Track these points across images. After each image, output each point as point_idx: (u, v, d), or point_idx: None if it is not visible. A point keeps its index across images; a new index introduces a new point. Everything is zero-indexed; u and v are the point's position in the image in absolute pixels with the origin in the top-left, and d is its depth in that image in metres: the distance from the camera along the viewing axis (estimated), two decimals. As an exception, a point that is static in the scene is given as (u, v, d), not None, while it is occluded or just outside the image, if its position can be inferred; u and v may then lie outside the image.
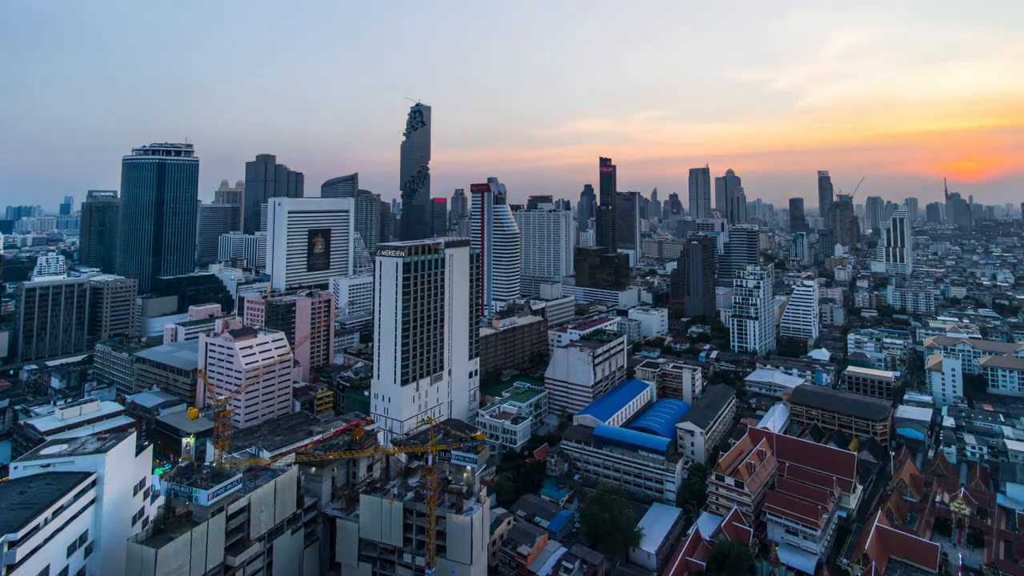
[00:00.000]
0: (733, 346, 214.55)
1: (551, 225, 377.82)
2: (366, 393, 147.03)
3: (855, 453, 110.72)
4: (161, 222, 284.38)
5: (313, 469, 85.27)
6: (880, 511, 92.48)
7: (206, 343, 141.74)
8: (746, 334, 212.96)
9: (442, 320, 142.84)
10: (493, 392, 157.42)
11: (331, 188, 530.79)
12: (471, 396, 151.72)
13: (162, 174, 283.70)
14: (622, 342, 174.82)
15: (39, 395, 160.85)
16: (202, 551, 64.98)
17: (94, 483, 63.87)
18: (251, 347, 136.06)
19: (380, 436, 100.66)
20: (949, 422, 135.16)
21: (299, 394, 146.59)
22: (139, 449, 72.10)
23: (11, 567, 52.67)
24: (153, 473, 76.46)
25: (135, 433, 77.94)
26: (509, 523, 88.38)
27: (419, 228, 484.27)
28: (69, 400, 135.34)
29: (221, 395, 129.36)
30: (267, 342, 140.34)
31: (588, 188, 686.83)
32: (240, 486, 72.34)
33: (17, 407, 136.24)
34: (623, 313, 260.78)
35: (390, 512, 74.03)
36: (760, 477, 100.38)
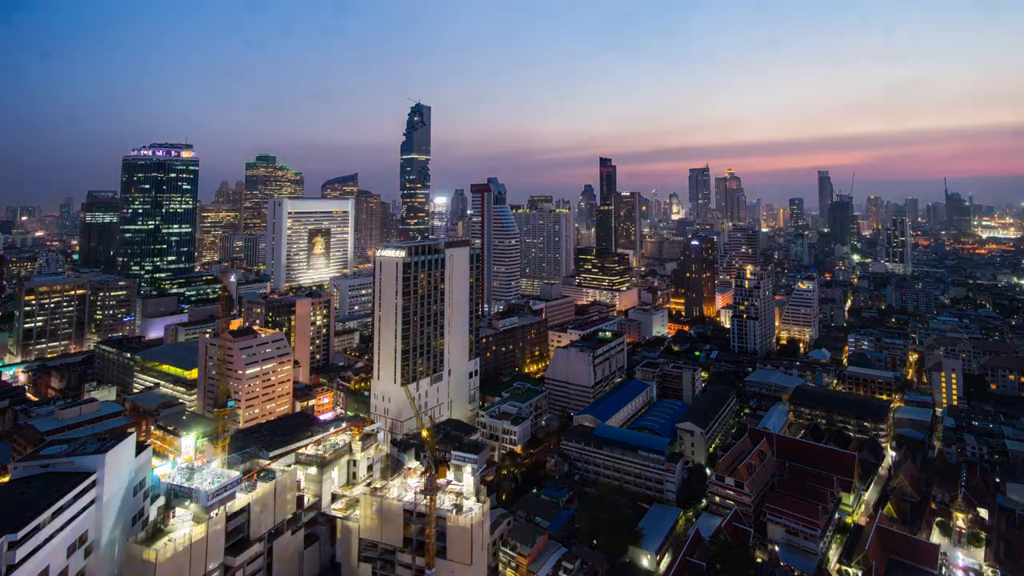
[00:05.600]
0: (733, 346, 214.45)
1: (551, 225, 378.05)
2: (366, 393, 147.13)
3: (855, 453, 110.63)
4: (161, 222, 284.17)
5: (313, 469, 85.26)
6: (880, 511, 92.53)
7: (206, 343, 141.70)
8: (746, 334, 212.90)
9: (442, 320, 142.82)
10: (493, 392, 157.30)
11: (331, 188, 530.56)
12: (471, 396, 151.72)
13: (162, 173, 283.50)
14: (622, 342, 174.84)
15: (39, 395, 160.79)
16: (202, 551, 64.96)
17: (94, 483, 63.73)
18: (251, 347, 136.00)
19: (380, 436, 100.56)
20: (949, 422, 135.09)
21: (299, 394, 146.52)
22: (139, 449, 71.93)
23: (11, 567, 52.62)
24: (153, 473, 76.30)
25: (135, 433, 77.87)
26: (509, 523, 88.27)
27: (419, 228, 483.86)
28: (69, 400, 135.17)
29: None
30: (267, 342, 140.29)
31: (588, 188, 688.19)
32: (240, 486, 72.33)
33: (17, 407, 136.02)
34: (623, 313, 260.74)
35: (390, 512, 74.03)
36: (760, 477, 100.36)
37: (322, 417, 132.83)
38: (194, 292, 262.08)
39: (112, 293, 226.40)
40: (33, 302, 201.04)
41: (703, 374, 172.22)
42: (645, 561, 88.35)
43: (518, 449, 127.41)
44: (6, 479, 70.47)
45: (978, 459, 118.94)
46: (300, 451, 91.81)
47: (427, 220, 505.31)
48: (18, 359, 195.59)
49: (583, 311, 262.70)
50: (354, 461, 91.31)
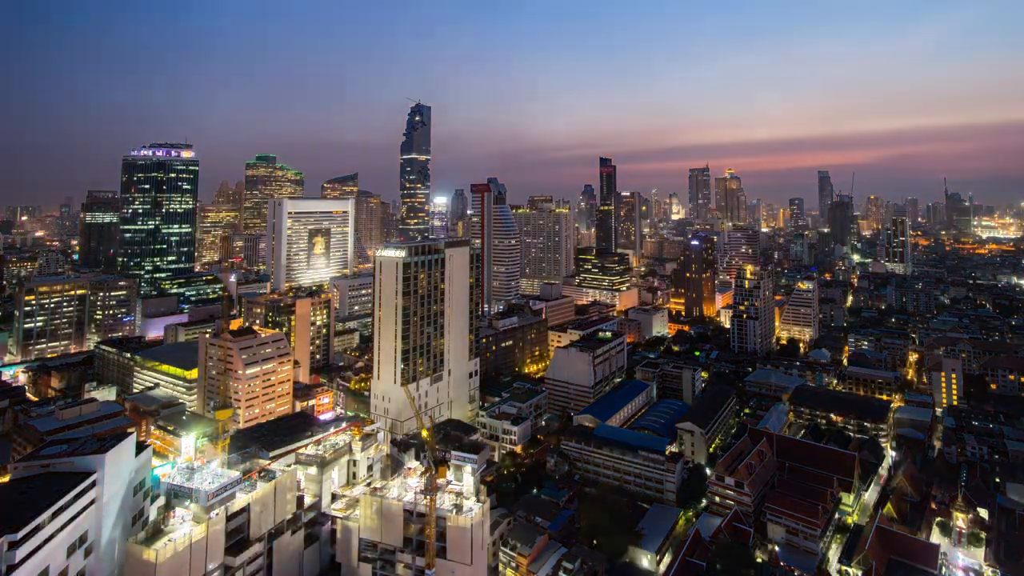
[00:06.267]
0: (733, 346, 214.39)
1: (551, 225, 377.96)
2: (366, 393, 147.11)
3: (855, 453, 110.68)
4: (161, 222, 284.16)
5: (313, 469, 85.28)
6: (880, 511, 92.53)
7: (206, 343, 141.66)
8: (746, 334, 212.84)
9: (442, 320, 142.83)
10: (493, 392, 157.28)
11: (331, 188, 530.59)
12: (471, 396, 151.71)
13: (162, 173, 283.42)
14: (621, 342, 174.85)
15: (39, 395, 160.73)
16: (202, 551, 65.02)
17: (94, 483, 63.78)
18: (251, 347, 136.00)
19: (380, 436, 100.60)
20: (949, 422, 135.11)
21: (299, 394, 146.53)
22: (139, 449, 72.00)
23: (11, 567, 52.64)
24: (153, 473, 76.33)
25: (135, 433, 77.92)
26: (509, 523, 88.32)
27: (419, 228, 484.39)
28: (69, 400, 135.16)
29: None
30: (267, 342, 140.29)
31: (588, 188, 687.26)
32: (240, 486, 72.36)
33: (17, 407, 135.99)
34: (623, 313, 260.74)
35: (390, 512, 74.04)
36: (760, 477, 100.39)
37: (322, 417, 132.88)
38: (194, 292, 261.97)
39: (112, 293, 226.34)
40: (33, 302, 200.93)
41: (703, 374, 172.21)
42: (645, 561, 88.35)
43: (518, 449, 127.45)
44: (6, 479, 70.49)
45: (978, 459, 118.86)
46: (300, 451, 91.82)
47: (427, 220, 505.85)
48: (18, 359, 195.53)
49: (583, 311, 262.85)
50: (354, 461, 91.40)
